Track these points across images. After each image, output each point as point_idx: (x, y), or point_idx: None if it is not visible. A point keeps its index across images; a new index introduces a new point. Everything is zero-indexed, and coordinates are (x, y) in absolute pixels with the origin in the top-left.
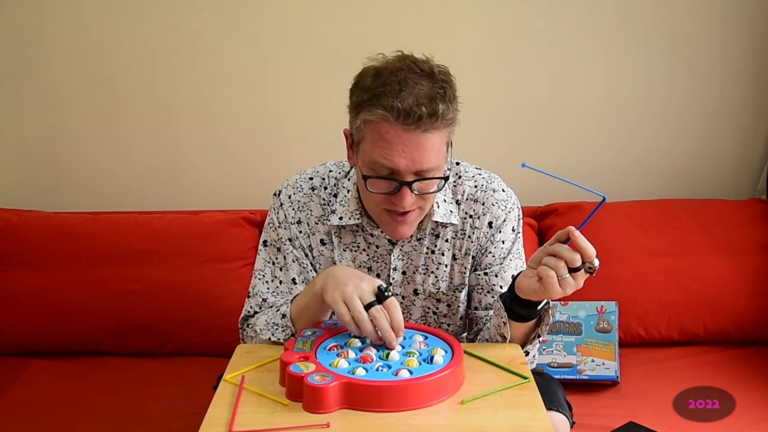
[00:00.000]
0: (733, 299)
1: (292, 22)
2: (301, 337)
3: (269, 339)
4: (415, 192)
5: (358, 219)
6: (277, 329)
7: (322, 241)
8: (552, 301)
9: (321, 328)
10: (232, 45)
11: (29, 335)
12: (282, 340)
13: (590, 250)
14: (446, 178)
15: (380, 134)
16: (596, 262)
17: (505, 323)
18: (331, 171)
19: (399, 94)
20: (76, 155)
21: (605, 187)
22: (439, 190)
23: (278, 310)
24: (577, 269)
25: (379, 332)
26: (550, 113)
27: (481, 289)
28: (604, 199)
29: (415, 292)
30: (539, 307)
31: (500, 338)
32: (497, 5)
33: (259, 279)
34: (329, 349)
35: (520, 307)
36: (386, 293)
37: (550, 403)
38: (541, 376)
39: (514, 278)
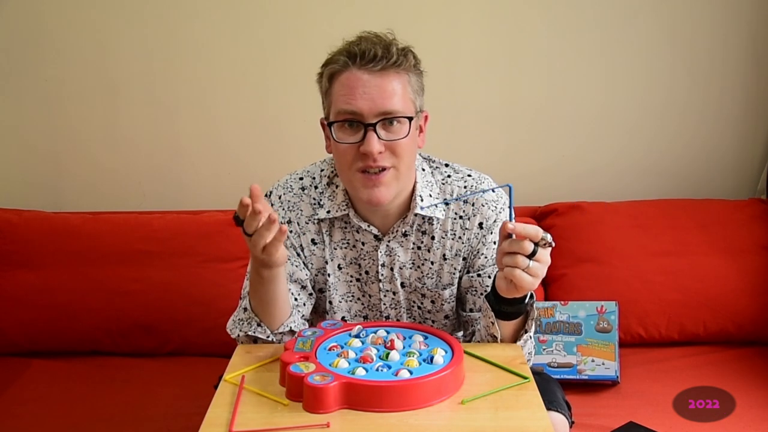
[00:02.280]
0: (733, 299)
1: (292, 22)
2: (301, 337)
3: (238, 336)
4: (383, 138)
5: (345, 210)
6: (242, 323)
7: (313, 240)
8: (549, 300)
9: (321, 328)
10: (232, 45)
11: (29, 335)
12: (252, 333)
13: (533, 230)
14: (410, 119)
15: (342, 83)
16: (548, 237)
17: (493, 323)
18: (322, 170)
19: (358, 44)
20: (76, 155)
21: (605, 187)
22: (406, 137)
23: (240, 305)
24: (534, 252)
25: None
26: (549, 113)
27: (475, 290)
28: (510, 187)
29: (402, 286)
30: (525, 302)
31: (491, 338)
32: (497, 5)
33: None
34: (329, 349)
35: (507, 305)
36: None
37: (549, 403)
38: (539, 376)
39: (494, 281)
